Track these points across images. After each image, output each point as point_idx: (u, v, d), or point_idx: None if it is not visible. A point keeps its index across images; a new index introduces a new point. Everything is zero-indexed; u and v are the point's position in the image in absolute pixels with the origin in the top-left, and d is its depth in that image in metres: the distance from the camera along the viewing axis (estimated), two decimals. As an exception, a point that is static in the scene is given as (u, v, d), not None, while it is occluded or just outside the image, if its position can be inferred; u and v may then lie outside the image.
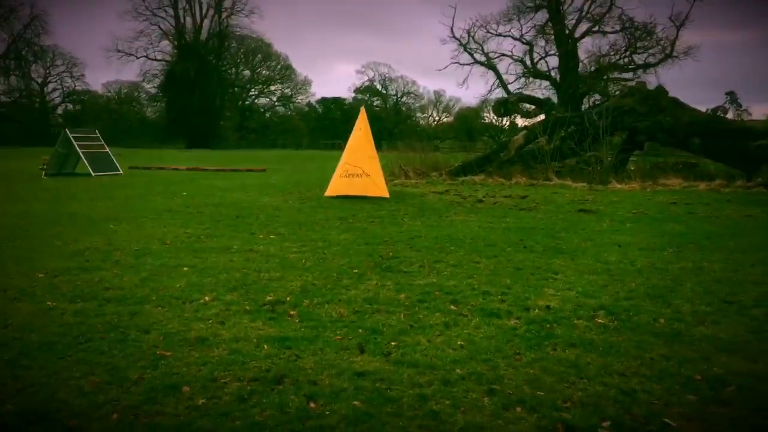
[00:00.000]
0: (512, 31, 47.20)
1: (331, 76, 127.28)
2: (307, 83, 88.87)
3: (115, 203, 14.23)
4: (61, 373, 4.20)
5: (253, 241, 9.29)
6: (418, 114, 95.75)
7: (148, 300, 6.00)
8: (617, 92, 43.51)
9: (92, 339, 4.87)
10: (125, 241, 9.21)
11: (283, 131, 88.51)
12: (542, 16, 46.51)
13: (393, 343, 4.79)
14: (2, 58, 72.11)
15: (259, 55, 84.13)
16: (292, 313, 5.58)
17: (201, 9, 77.43)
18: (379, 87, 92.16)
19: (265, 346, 4.71)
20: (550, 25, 45.87)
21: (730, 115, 65.25)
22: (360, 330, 5.12)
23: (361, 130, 15.60)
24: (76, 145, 22.32)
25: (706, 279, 6.92)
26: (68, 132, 22.59)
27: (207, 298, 6.05)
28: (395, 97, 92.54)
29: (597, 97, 45.73)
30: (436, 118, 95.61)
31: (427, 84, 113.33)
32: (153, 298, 6.07)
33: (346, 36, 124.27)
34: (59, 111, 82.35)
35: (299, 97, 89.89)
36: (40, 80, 78.36)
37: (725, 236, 9.89)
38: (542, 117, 27.32)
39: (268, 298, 6.08)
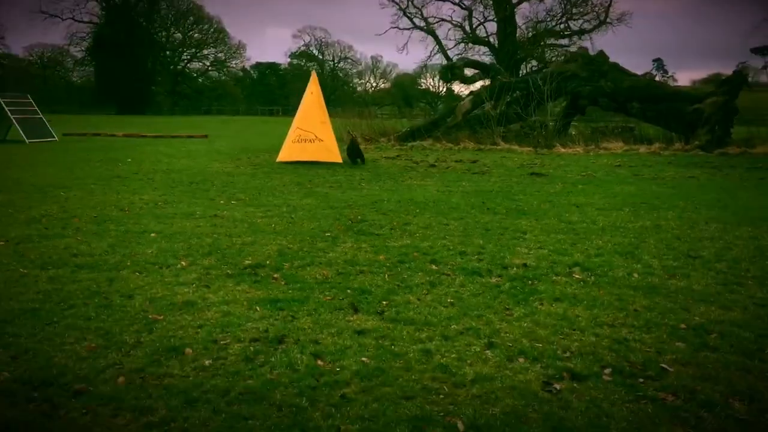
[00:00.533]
0: (452, -5, 47.22)
1: (265, 41, 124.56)
2: (241, 47, 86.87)
3: (58, 170, 13.69)
4: (53, 339, 4.09)
5: (215, 207, 9.14)
6: (356, 80, 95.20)
7: (123, 266, 5.86)
8: (554, 58, 44.34)
9: (75, 305, 4.74)
10: (80, 208, 8.92)
11: (217, 97, 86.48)
12: (481, -19, 46.65)
13: (384, 302, 4.85)
14: None
15: (191, 18, 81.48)
16: (275, 276, 5.56)
17: (129, -32, 74.28)
18: (315, 52, 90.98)
19: (258, 308, 4.70)
20: (489, -10, 46.08)
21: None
22: (348, 290, 5.15)
23: (313, 94, 15.39)
24: (7, 111, 21.23)
25: (667, 236, 7.24)
26: (-2, 96, 21.46)
27: (184, 263, 5.96)
28: (332, 63, 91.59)
29: (534, 63, 46.43)
30: (374, 85, 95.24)
31: (364, 50, 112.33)
32: (127, 264, 5.93)
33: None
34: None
35: (233, 62, 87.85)
36: (-45, 42, 73.99)
37: (674, 196, 10.31)
38: (482, 83, 27.56)
39: (247, 262, 6.03)
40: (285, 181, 12.07)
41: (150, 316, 4.49)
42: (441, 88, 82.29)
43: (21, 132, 21.27)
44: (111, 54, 68.51)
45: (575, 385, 3.45)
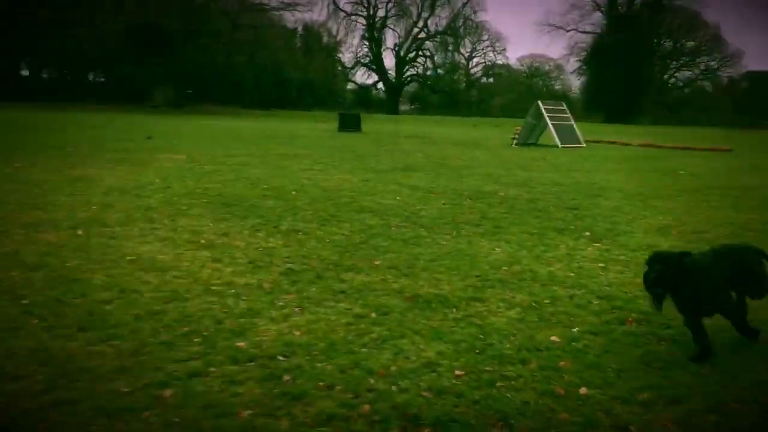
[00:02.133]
0: None
1: (760, 47, 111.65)
2: (737, 55, 78.82)
3: (626, 177, 13.63)
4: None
5: None
6: None
7: None
8: None
9: None
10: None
11: (703, 108, 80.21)
12: None
13: None
14: (442, 34, 79.48)
15: (684, 25, 77.25)
16: None
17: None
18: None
19: None
20: None
21: None
22: None
23: None
24: (546, 117, 22.49)
25: None
26: (540, 104, 22.91)
27: None
28: None
29: None
30: None
31: None
32: None
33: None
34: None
35: (727, 71, 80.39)
36: (466, 55, 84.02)
37: None
38: None
39: None
40: None
41: None
42: None
43: (555, 137, 22.23)
44: (608, 63, 69.55)
45: None
